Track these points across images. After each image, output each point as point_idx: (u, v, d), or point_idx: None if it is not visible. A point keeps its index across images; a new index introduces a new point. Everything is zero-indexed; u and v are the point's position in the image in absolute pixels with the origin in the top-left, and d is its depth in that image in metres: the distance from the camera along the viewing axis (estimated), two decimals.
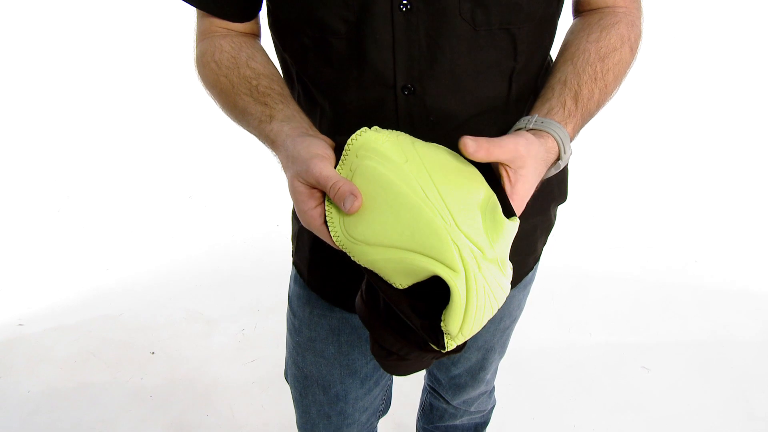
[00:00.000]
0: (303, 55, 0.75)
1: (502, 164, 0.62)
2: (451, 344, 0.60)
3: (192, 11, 0.81)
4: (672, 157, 2.97)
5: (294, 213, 0.95)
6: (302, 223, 0.64)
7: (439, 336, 0.59)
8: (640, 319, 2.07)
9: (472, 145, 0.57)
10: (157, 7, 3.96)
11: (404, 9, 0.67)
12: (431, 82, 0.71)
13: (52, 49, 3.76)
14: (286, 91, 0.74)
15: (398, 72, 0.71)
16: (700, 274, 2.28)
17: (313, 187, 0.61)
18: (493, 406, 1.41)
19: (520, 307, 1.07)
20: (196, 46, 0.81)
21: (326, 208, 0.61)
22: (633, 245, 2.43)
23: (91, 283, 2.17)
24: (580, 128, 0.72)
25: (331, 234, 0.61)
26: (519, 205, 0.63)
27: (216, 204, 2.63)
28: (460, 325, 0.57)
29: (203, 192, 2.70)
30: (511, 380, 1.75)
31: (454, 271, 0.55)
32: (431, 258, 0.56)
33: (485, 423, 1.43)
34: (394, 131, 0.65)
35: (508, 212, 0.61)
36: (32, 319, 2.01)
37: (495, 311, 0.60)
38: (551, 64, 0.80)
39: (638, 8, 0.79)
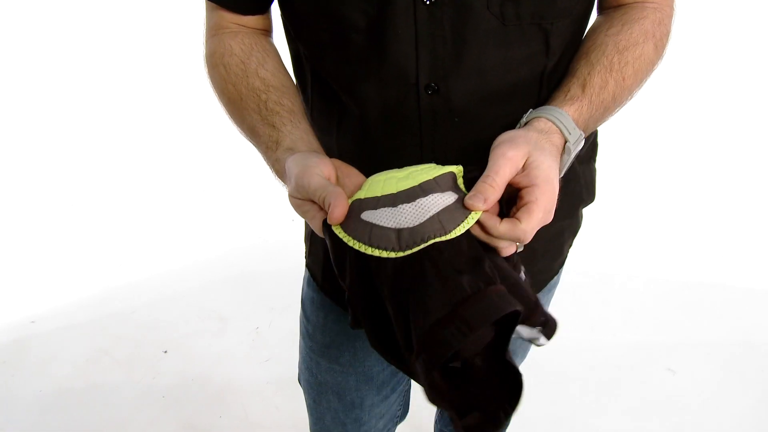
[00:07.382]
0: (320, 50, 0.70)
1: (512, 183, 0.56)
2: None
3: (201, 4, 0.77)
4: (700, 156, 2.90)
5: None
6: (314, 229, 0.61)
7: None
8: (665, 318, 2.01)
9: (479, 202, 0.54)
10: (164, 2, 3.96)
11: (428, 2, 0.63)
12: (457, 80, 0.66)
13: (61, 44, 3.76)
14: (297, 105, 0.70)
15: (421, 69, 0.66)
16: (727, 273, 2.21)
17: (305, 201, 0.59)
18: None
19: None
20: (206, 43, 0.77)
21: None
22: (658, 244, 2.37)
23: (103, 280, 2.16)
24: (590, 114, 0.66)
25: None
26: (551, 197, 0.56)
27: (230, 200, 2.61)
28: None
29: (217, 188, 2.68)
30: (531, 381, 1.69)
31: None
32: None
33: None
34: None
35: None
36: (44, 316, 1.99)
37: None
38: None
39: (670, 6, 0.73)
